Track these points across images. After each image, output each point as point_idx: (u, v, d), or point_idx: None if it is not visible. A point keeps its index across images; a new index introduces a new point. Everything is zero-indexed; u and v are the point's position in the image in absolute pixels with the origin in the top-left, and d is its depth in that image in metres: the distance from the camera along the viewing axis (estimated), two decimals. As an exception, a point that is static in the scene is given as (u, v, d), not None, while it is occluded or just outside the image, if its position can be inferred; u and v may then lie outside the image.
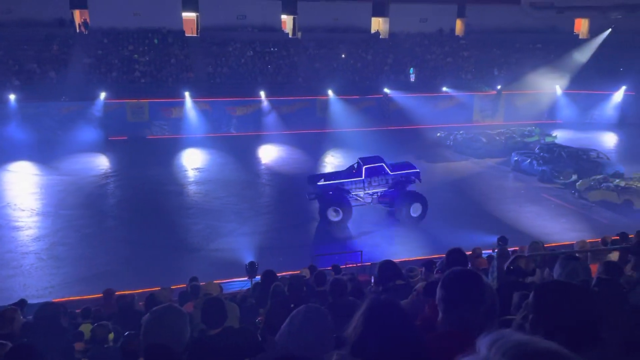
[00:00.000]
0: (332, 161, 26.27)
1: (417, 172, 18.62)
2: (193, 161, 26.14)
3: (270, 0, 37.26)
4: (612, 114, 35.25)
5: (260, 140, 30.04)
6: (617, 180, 20.14)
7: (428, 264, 8.36)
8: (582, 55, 37.61)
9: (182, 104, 30.62)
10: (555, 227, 17.41)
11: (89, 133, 28.17)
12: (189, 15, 36.87)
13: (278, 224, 17.73)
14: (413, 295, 4.87)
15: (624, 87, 34.66)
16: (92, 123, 28.95)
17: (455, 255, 4.80)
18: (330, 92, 32.53)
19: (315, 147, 27.97)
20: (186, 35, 35.84)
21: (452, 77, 35.85)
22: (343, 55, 36.31)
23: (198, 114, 30.71)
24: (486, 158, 26.57)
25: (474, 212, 18.18)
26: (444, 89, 34.86)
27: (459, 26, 41.75)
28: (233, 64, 33.74)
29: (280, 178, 23.32)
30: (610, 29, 38.68)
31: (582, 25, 42.92)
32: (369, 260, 13.51)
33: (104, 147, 27.81)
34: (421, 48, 38.48)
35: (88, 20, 34.15)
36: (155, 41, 33.88)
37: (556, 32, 40.98)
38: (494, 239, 12.43)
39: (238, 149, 27.46)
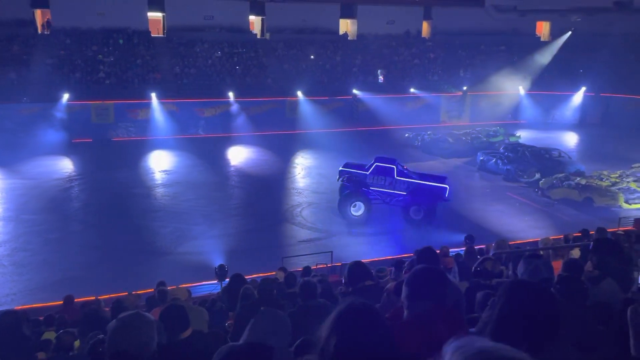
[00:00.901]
0: (302, 162, 26.27)
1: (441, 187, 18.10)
2: (160, 163, 25.73)
3: (238, 0, 37.02)
4: (573, 114, 36.31)
5: (229, 141, 29.77)
6: (578, 179, 20.76)
7: (397, 263, 8.45)
8: (544, 57, 38.63)
9: (148, 105, 30.09)
10: (520, 224, 17.83)
11: (51, 135, 27.39)
12: (154, 15, 36.26)
13: (248, 226, 17.61)
14: (384, 296, 4.91)
15: (583, 88, 35.71)
16: (55, 125, 28.16)
17: (426, 254, 4.83)
18: (299, 93, 32.51)
19: (285, 149, 27.91)
20: (152, 35, 35.24)
21: (419, 79, 36.35)
22: (312, 57, 36.35)
23: (165, 116, 30.22)
24: (453, 158, 27.01)
25: (441, 211, 18.43)
26: (412, 90, 35.29)
27: (425, 28, 42.28)
28: (201, 65, 33.37)
29: (249, 180, 23.17)
30: (570, 32, 39.80)
31: (543, 28, 44.03)
32: (339, 260, 13.56)
33: (68, 149, 27.08)
34: (389, 50, 38.84)
35: (50, 19, 33.28)
36: (120, 41, 33.22)
37: (519, 34, 41.90)
38: (461, 238, 12.65)
39: (206, 151, 27.15)
